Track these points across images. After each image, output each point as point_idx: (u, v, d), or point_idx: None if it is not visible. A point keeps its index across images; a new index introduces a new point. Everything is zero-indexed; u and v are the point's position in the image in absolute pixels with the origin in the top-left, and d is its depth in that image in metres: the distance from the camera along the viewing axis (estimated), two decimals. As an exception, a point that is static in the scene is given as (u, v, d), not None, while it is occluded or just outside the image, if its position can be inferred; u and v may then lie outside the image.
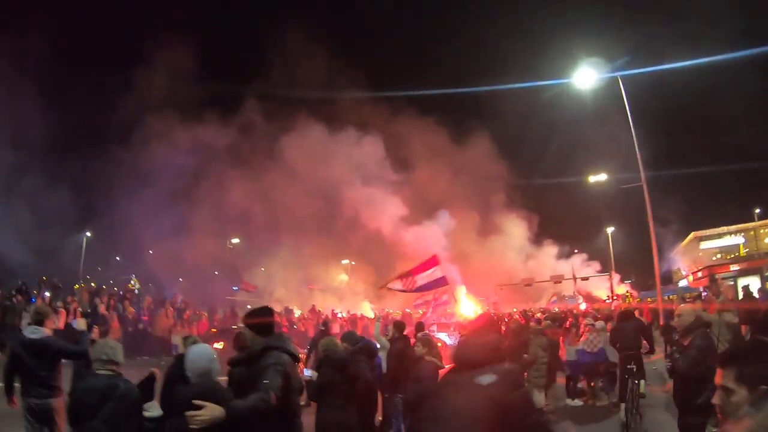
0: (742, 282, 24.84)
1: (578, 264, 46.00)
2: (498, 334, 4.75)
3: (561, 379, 13.30)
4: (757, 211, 58.95)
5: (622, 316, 12.59)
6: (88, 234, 47.31)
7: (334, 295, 42.37)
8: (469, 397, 3.28)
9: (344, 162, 33.66)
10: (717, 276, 25.82)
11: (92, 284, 32.91)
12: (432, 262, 17.21)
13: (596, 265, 47.51)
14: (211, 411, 3.87)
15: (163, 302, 23.72)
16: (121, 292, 26.21)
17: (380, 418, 9.24)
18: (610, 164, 43.56)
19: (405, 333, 10.31)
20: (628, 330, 11.70)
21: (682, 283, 51.08)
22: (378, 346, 9.69)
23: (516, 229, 43.97)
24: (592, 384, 12.83)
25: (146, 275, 43.79)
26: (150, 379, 5.56)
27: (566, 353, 13.02)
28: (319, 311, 33.70)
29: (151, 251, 39.35)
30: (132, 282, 47.79)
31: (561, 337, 13.55)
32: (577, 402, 12.80)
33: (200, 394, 4.11)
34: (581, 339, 13.20)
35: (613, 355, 12.70)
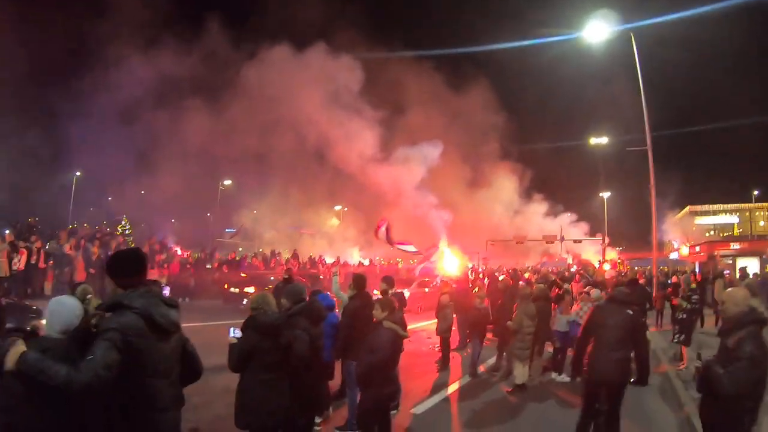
0: (740, 262, 23.36)
1: (566, 224, 43.92)
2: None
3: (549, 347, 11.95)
4: (755, 192, 57.89)
5: (631, 284, 11.64)
6: (78, 174, 45.70)
7: (324, 240, 40.61)
8: (623, 317, 6.77)
9: (329, 98, 31.04)
10: (716, 253, 24.27)
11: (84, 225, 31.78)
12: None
13: (584, 227, 45.65)
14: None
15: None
16: (98, 232, 24.51)
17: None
18: (611, 126, 41.89)
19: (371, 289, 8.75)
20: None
21: (673, 255, 49.92)
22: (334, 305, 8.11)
23: (506, 183, 41.80)
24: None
25: (138, 217, 43.18)
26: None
27: (556, 323, 11.33)
28: (312, 257, 32.59)
29: (143, 192, 37.38)
30: (122, 223, 46.99)
31: (553, 305, 11.85)
32: (565, 378, 11.18)
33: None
34: (574, 308, 11.46)
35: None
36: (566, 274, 25.59)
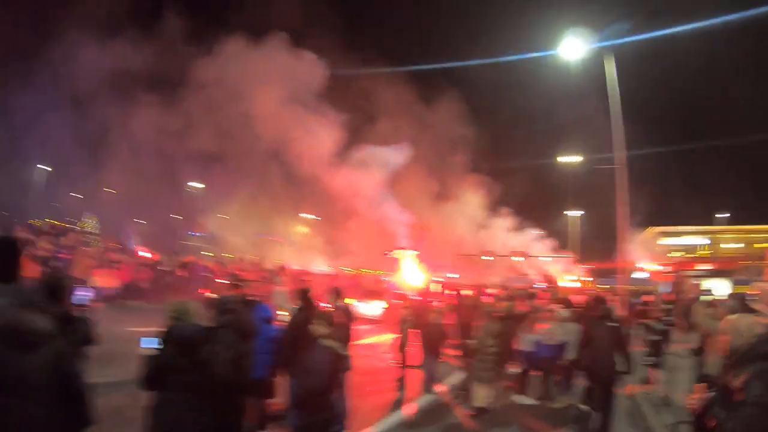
0: (710, 284, 22.88)
1: (531, 239, 43.29)
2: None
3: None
4: (722, 216, 58.12)
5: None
6: (41, 167, 44.21)
7: (291, 248, 39.69)
8: (607, 329, 8.14)
9: (291, 98, 30.16)
10: (684, 273, 23.86)
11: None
12: None
13: (549, 244, 45.16)
14: None
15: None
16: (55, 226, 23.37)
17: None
18: (581, 145, 41.67)
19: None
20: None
21: (638, 275, 49.69)
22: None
23: (473, 197, 41.01)
24: (549, 381, 10.43)
25: (105, 216, 42.00)
26: None
27: (521, 342, 10.56)
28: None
29: (106, 189, 37.46)
30: (86, 220, 45.81)
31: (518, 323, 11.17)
32: (530, 400, 10.47)
33: None
34: (541, 327, 10.70)
35: (574, 353, 10.45)
36: (530, 291, 24.98)
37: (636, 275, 49.84)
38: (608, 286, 39.93)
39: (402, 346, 11.50)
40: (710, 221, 58.90)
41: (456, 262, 39.82)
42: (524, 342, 10.48)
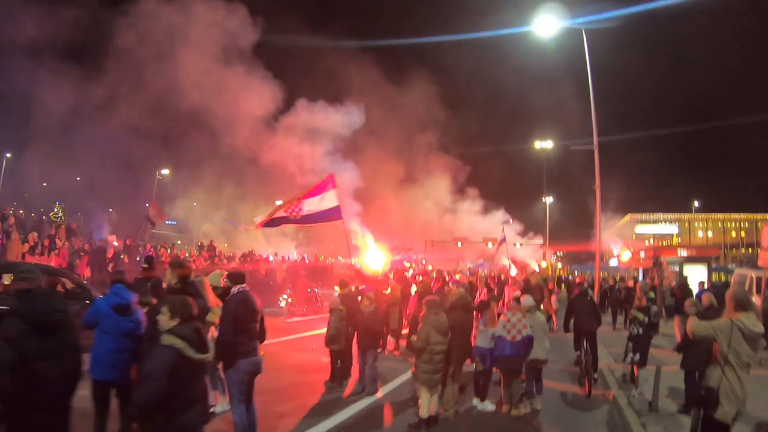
0: (687, 269, 21.24)
1: (499, 223, 41.21)
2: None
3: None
4: (696, 203, 57.04)
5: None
6: (8, 155, 42.18)
7: (262, 235, 37.84)
8: (587, 301, 10.83)
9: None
10: (662, 259, 22.12)
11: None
12: (325, 184, 12.71)
13: (518, 228, 43.35)
14: None
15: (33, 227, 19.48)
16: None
17: None
18: (556, 129, 40.09)
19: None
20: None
21: (613, 262, 48.45)
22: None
23: (441, 180, 38.92)
24: (511, 384, 8.37)
25: (75, 205, 42.17)
26: None
27: (479, 336, 8.52)
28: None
29: (78, 178, 37.26)
30: (55, 210, 44.56)
31: (476, 315, 9.13)
32: (488, 406, 8.48)
33: None
34: (500, 319, 8.61)
35: (542, 351, 8.48)
36: (502, 277, 23.31)
37: (613, 262, 48.68)
38: (586, 273, 38.61)
39: (332, 340, 9.31)
40: (687, 209, 57.96)
41: (426, 247, 37.92)
42: (481, 337, 8.43)
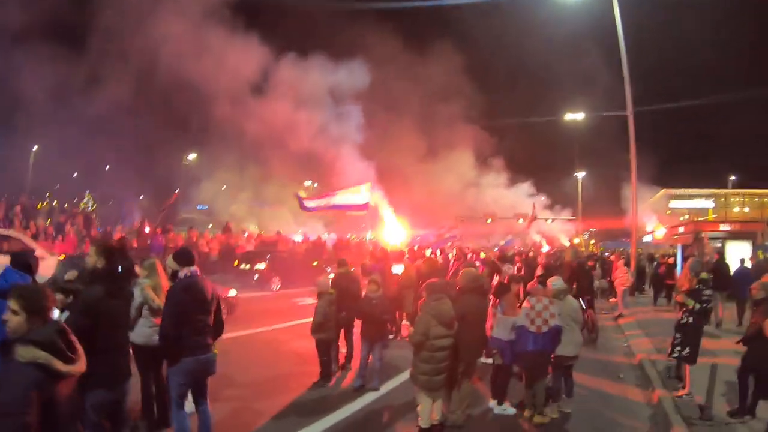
0: (730, 246, 19.21)
1: (524, 198, 39.02)
2: None
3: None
4: (732, 178, 54.27)
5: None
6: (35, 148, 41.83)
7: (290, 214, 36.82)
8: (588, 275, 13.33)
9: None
10: (703, 234, 20.08)
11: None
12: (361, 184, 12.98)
13: (545, 202, 41.15)
14: None
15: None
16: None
17: None
18: (586, 100, 38.10)
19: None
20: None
21: (647, 238, 46.10)
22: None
23: (464, 154, 36.80)
24: (535, 385, 6.77)
25: (106, 193, 41.32)
26: None
27: (495, 327, 6.95)
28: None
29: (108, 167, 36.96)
30: (85, 199, 45.28)
31: (493, 300, 7.51)
32: (508, 410, 6.95)
33: None
34: (524, 305, 7.01)
35: (572, 345, 6.89)
36: (530, 254, 21.74)
37: (647, 239, 46.33)
38: (620, 249, 36.49)
39: (318, 327, 7.80)
40: (722, 184, 55.26)
41: (454, 224, 36.16)
42: (500, 326, 6.88)
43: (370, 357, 7.81)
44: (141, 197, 37.26)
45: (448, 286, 6.42)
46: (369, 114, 27.26)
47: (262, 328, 11.98)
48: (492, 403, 7.04)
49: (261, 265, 19.53)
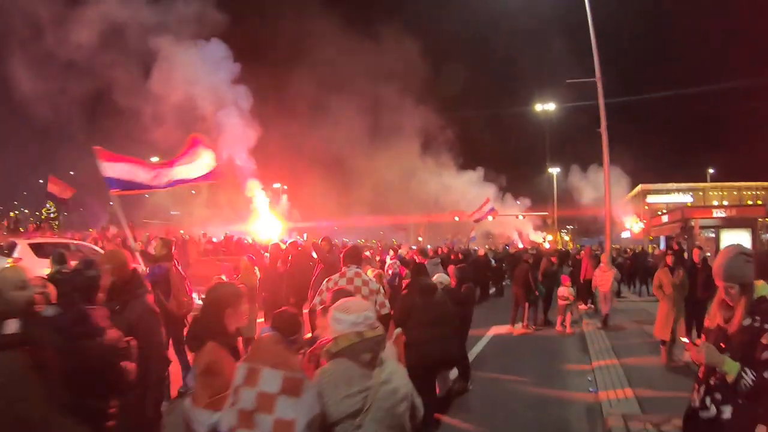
0: (726, 236, 15.88)
1: (476, 185, 35.76)
2: None
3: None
4: (710, 171, 51.76)
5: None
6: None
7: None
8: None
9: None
10: (694, 222, 16.70)
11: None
12: (193, 143, 9.53)
13: (509, 199, 38.25)
14: None
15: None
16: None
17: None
18: (556, 92, 35.71)
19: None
20: None
21: (625, 234, 43.35)
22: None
23: (411, 143, 33.65)
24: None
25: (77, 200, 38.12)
26: None
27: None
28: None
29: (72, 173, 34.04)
30: (47, 206, 44.04)
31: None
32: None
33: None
34: None
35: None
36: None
37: (624, 234, 43.62)
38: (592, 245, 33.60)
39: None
40: (701, 178, 52.80)
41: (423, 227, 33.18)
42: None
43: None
44: (111, 203, 34.14)
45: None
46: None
47: None
48: None
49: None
